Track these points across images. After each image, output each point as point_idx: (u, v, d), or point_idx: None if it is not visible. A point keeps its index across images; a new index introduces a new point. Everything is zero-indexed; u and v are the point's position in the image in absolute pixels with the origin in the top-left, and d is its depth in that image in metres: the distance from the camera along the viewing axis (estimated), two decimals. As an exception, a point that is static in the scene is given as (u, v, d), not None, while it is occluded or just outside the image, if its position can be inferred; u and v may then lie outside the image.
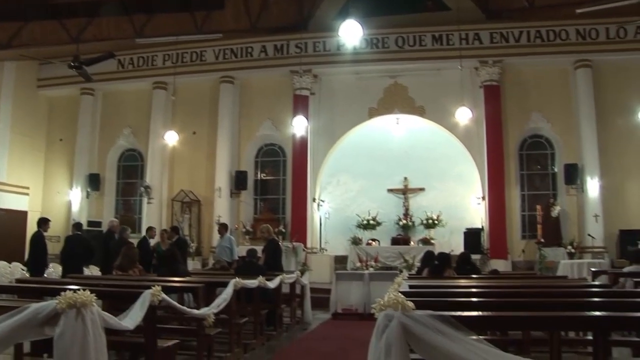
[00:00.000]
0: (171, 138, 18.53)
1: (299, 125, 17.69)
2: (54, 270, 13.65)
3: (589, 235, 17.05)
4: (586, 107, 17.79)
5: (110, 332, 4.47)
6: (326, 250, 19.16)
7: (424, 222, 19.11)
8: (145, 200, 19.95)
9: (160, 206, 19.94)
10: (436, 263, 10.46)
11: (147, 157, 20.37)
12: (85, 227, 18.29)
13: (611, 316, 4.18)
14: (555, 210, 17.56)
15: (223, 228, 15.15)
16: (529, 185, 18.86)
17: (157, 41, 19.40)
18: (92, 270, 13.76)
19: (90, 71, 16.15)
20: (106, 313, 4.38)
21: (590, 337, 6.33)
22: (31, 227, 15.93)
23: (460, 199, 19.44)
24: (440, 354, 3.10)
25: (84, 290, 4.14)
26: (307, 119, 18.18)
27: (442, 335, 3.13)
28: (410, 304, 3.26)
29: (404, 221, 19.36)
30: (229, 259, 14.15)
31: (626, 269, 10.43)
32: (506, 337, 7.03)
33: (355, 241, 18.45)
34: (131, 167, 21.39)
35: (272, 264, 11.76)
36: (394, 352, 3.11)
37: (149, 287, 5.59)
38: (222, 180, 19.51)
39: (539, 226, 17.29)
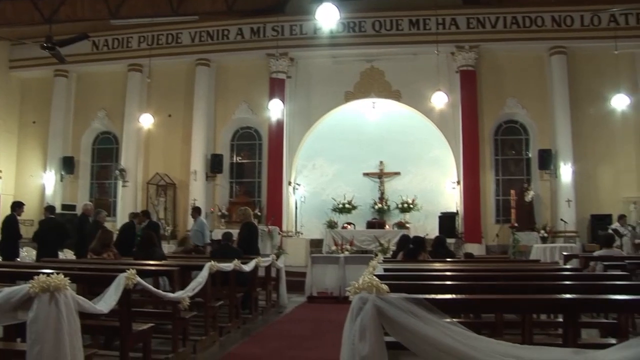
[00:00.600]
0: (146, 121, 18.42)
1: (275, 109, 17.73)
2: (27, 254, 13.54)
3: (562, 219, 17.29)
4: (560, 93, 17.97)
5: (84, 315, 4.46)
6: (302, 233, 19.24)
7: (399, 206, 19.28)
8: (120, 183, 19.78)
9: (135, 189, 19.82)
10: (411, 247, 10.53)
11: (122, 140, 20.16)
12: (59, 210, 18.20)
13: (581, 299, 4.26)
14: (529, 195, 17.78)
15: (196, 212, 15.11)
16: (503, 170, 19.04)
17: (132, 22, 19.15)
18: (67, 254, 13.66)
19: (63, 52, 15.91)
20: (80, 297, 4.36)
21: (560, 319, 6.44)
22: (4, 211, 15.66)
23: (436, 183, 19.61)
24: (414, 336, 3.12)
25: (57, 274, 4.12)
26: (283, 102, 18.21)
27: (416, 317, 3.14)
28: (385, 287, 3.27)
29: (380, 205, 19.48)
30: (201, 243, 14.11)
31: (596, 253, 10.63)
32: (479, 319, 7.11)
33: (331, 225, 18.56)
34: (106, 150, 21.17)
35: (249, 247, 11.72)
36: (368, 334, 3.13)
37: (123, 271, 5.58)
38: (198, 163, 19.42)
39: (512, 211, 17.46)
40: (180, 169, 19.74)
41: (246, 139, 20.42)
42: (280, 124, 19.06)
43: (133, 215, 14.60)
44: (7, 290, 4.05)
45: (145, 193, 19.72)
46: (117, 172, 19.71)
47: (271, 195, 19.07)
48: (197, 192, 19.27)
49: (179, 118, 19.96)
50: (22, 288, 4.04)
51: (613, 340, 5.32)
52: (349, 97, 19.47)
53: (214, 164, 19.50)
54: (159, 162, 19.97)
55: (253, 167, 20.27)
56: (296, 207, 19.60)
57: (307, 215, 19.78)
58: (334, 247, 15.19)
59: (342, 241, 15.68)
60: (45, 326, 3.88)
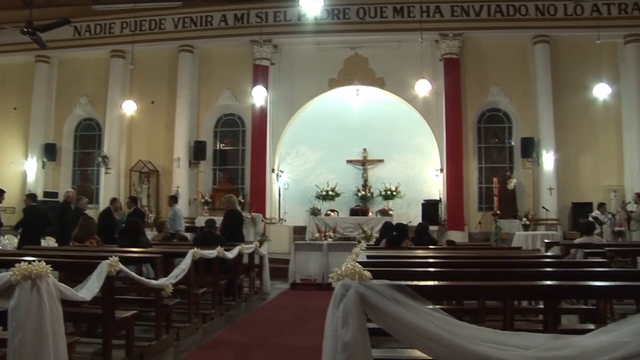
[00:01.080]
0: (129, 107, 18.31)
1: (259, 96, 17.69)
2: (8, 242, 13.42)
3: (543, 207, 17.46)
4: (543, 82, 18.09)
5: (67, 303, 4.46)
6: (285, 220, 19.24)
7: (383, 193, 19.39)
8: (102, 170, 19.69)
9: (118, 176, 19.72)
10: (394, 234, 10.57)
11: (104, 127, 20.03)
12: (41, 197, 18.07)
13: (561, 285, 4.29)
14: (512, 183, 17.91)
15: (172, 200, 15.23)
16: (486, 158, 19.14)
17: (114, 8, 19.02)
18: (49, 242, 13.56)
19: (44, 38, 15.70)
20: (62, 284, 4.36)
21: (541, 306, 6.50)
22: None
23: (419, 170, 19.71)
24: (396, 323, 3.13)
25: (39, 261, 4.11)
26: (266, 89, 18.19)
27: (398, 304, 3.14)
28: (367, 274, 3.28)
29: (363, 192, 19.57)
30: (173, 230, 14.06)
31: (577, 241, 10.71)
32: (462, 306, 7.18)
33: (314, 212, 18.59)
34: (88, 136, 21.00)
35: (233, 235, 11.70)
36: (351, 320, 3.14)
37: (106, 258, 5.56)
38: (181, 150, 19.36)
39: (495, 198, 17.57)
40: (164, 156, 19.64)
41: (229, 126, 20.34)
42: (263, 111, 19.00)
43: (112, 201, 14.53)
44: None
45: (128, 180, 19.58)
46: (100, 159, 19.61)
47: (254, 183, 19.04)
48: (180, 179, 19.22)
49: (162, 105, 19.81)
50: (4, 276, 4.02)
51: (592, 326, 5.37)
52: (333, 84, 19.43)
53: (197, 151, 19.44)
54: (142, 149, 19.83)
55: (236, 154, 20.21)
56: (279, 194, 19.59)
57: (291, 202, 19.79)
58: (317, 234, 15.21)
59: (326, 228, 15.75)
60: (27, 314, 3.87)
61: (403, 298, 3.18)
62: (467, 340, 3.05)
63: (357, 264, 3.44)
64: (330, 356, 3.19)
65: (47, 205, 17.41)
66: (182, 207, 18.72)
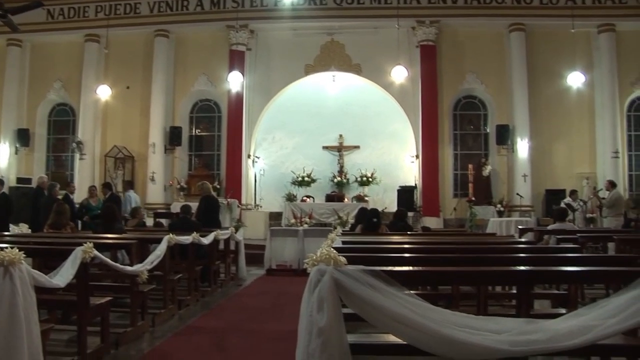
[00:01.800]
0: (104, 92, 18.17)
1: (235, 81, 17.67)
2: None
3: (518, 194, 17.63)
4: (519, 70, 18.22)
5: (41, 290, 4.45)
6: (261, 206, 19.24)
7: (359, 179, 19.41)
8: (77, 156, 19.48)
9: (92, 162, 19.48)
10: (374, 220, 10.57)
11: (79, 112, 19.76)
12: (14, 184, 17.88)
13: (534, 270, 4.37)
14: (486, 170, 18.04)
15: (127, 185, 15.53)
16: (461, 144, 19.25)
17: (88, -9, 18.68)
18: (22, 228, 13.37)
19: (16, 21, 15.42)
20: (36, 271, 4.33)
21: (514, 291, 6.60)
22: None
23: (395, 157, 19.75)
24: (371, 308, 3.19)
25: (11, 248, 4.08)
26: (243, 74, 18.16)
27: (373, 289, 3.20)
28: (343, 259, 3.33)
29: (339, 178, 19.58)
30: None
31: (550, 227, 10.86)
32: (436, 291, 7.26)
33: (290, 198, 18.59)
34: (62, 122, 20.72)
35: (209, 221, 11.69)
36: (326, 306, 3.18)
37: (80, 245, 5.52)
38: (156, 136, 19.19)
39: (470, 185, 17.66)
40: (139, 142, 19.44)
41: (205, 112, 20.21)
42: (239, 97, 18.90)
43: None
44: (-41, 264, 3.97)
45: (103, 166, 19.37)
46: (74, 144, 19.38)
47: (230, 168, 19.00)
48: (155, 164, 19.09)
49: (137, 90, 19.59)
50: None
51: (563, 311, 5.48)
52: (309, 70, 19.37)
53: (173, 137, 19.31)
54: (117, 134, 19.61)
55: (212, 140, 20.11)
56: (255, 180, 19.55)
57: (267, 188, 19.77)
58: (293, 220, 15.16)
59: (302, 214, 15.76)
60: (0, 301, 3.85)
61: (378, 283, 3.23)
62: (441, 324, 3.13)
63: (332, 249, 3.50)
64: (305, 341, 3.23)
65: (21, 192, 17.31)
66: (158, 193, 18.79)
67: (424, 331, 3.13)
